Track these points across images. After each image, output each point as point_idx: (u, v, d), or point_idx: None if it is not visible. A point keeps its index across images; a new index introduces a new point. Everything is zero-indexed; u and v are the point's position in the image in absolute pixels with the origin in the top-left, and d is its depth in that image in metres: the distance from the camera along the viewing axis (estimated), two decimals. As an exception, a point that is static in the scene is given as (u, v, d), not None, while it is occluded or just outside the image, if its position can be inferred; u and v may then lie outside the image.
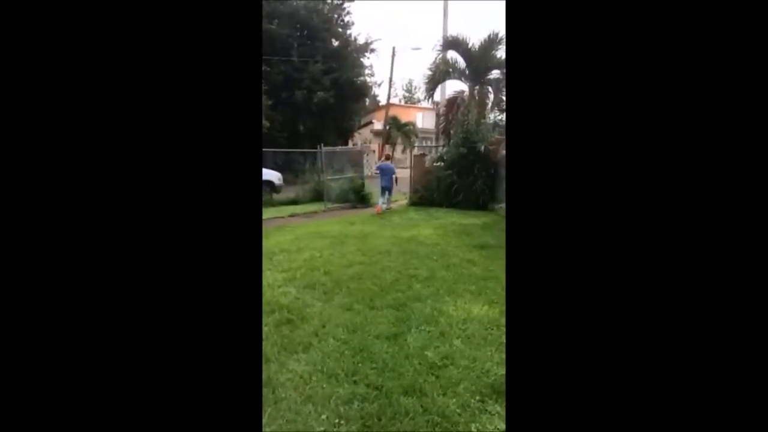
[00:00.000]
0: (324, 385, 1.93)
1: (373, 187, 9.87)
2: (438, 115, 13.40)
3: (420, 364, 2.12)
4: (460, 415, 1.74)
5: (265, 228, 6.43)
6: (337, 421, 1.69)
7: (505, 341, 2.33)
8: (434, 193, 9.04)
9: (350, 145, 18.90)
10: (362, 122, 22.58)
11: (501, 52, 10.08)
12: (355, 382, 1.96)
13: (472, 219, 6.96)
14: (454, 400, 1.83)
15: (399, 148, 19.14)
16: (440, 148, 10.54)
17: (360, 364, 2.12)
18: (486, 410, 1.76)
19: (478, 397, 1.85)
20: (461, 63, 10.54)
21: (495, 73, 10.29)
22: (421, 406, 1.78)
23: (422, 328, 2.56)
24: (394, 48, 32.38)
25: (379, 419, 1.69)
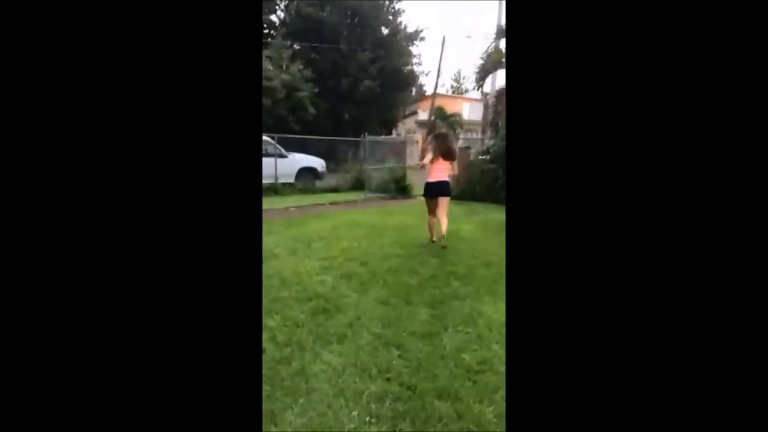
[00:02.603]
0: (356, 380, 1.90)
1: (414, 178, 9.76)
2: (486, 107, 12.99)
3: (456, 366, 2.04)
4: (496, 425, 1.65)
5: (305, 215, 6.53)
6: (368, 419, 1.65)
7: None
8: (477, 187, 8.78)
9: (394, 134, 18.81)
10: (407, 112, 22.38)
11: (558, 42, 9.53)
12: (388, 379, 1.91)
13: (516, 216, 6.71)
14: (491, 408, 1.74)
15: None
16: (486, 141, 10.23)
17: (394, 361, 2.07)
18: (525, 423, 1.66)
19: (516, 409, 1.74)
20: (514, 53, 10.09)
21: (550, 64, 9.77)
22: (456, 411, 1.70)
23: (459, 328, 2.48)
24: (444, 37, 31.74)
25: (412, 422, 1.64)
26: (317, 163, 10.56)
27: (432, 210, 4.26)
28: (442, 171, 4.20)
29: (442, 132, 4.56)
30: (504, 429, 1.62)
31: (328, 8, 15.71)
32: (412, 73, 18.90)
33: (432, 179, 4.20)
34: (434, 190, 4.19)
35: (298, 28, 15.78)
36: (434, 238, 4.33)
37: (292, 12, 16.27)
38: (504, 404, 1.76)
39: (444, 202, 4.16)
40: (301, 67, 14.17)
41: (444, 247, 4.07)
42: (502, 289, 3.18)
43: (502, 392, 1.84)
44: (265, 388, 1.80)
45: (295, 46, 15.37)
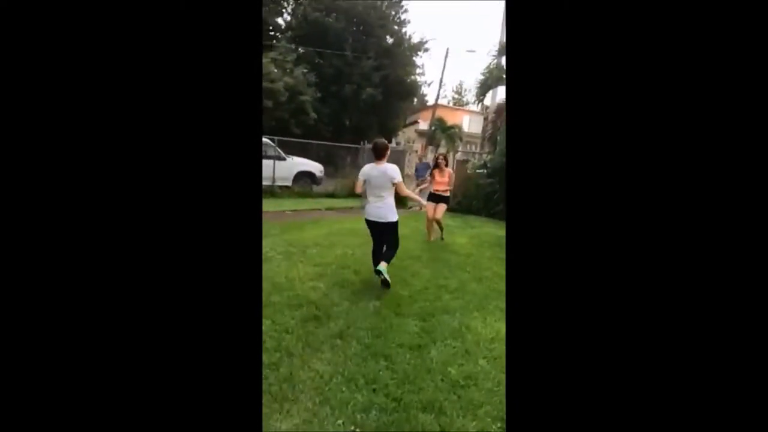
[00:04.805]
0: (343, 389, 1.93)
1: (411, 188, 9.80)
2: (486, 120, 13.12)
3: (442, 380, 2.08)
4: (478, 440, 1.68)
5: (302, 220, 6.56)
6: (352, 428, 1.68)
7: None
8: (473, 200, 8.85)
9: (393, 143, 18.89)
10: (407, 121, 22.51)
11: (559, 62, 9.68)
12: (374, 390, 1.94)
13: (510, 232, 6.77)
14: (474, 423, 1.77)
15: (442, 150, 18.91)
16: (484, 155, 10.32)
17: (381, 372, 2.10)
18: (506, 440, 1.70)
19: (499, 425, 1.78)
20: (515, 70, 10.22)
21: (550, 83, 9.90)
22: (439, 425, 1.74)
23: (447, 342, 2.51)
24: (447, 49, 31.97)
25: (395, 433, 1.67)
26: (315, 167, 10.59)
27: (431, 212, 5.69)
28: (441, 184, 5.91)
29: (433, 172, 6.38)
30: (486, 444, 1.65)
31: (335, 15, 15.88)
32: (414, 83, 19.06)
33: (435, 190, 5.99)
34: (436, 199, 5.86)
35: (303, 32, 15.92)
36: (431, 238, 5.71)
37: (299, 16, 16.43)
38: (487, 420, 1.80)
39: (442, 207, 5.77)
40: (305, 71, 14.28)
41: (442, 239, 5.77)
42: (492, 305, 3.23)
43: (486, 408, 1.88)
44: (253, 393, 1.83)
45: (300, 49, 15.48)
